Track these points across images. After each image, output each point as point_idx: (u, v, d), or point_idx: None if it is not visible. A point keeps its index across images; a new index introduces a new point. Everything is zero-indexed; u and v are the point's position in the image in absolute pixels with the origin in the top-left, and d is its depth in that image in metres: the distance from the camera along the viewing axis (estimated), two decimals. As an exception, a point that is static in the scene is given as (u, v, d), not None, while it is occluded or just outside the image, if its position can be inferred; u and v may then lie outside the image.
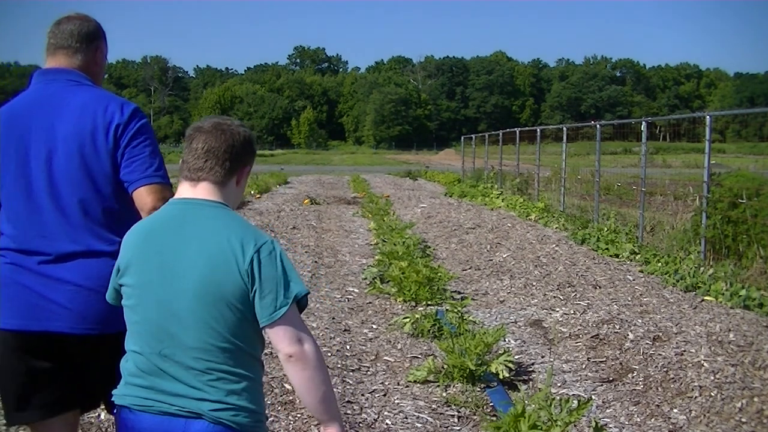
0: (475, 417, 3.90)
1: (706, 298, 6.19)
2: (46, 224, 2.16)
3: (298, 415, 3.80)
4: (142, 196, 2.14)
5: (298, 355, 1.73)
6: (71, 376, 2.20)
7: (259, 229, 1.87)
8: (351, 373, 4.59)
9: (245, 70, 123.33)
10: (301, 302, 1.76)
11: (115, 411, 1.84)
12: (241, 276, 1.71)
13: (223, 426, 1.72)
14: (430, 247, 9.96)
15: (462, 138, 31.20)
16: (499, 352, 4.74)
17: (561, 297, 6.71)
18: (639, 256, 8.41)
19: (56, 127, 2.18)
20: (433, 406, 4.08)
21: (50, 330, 2.14)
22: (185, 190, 1.83)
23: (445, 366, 4.48)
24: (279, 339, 1.73)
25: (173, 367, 1.73)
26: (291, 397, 3.97)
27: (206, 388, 1.72)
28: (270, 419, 3.67)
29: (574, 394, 4.30)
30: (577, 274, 7.59)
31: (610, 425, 3.87)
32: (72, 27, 2.31)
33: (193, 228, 1.76)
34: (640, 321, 5.48)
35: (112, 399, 1.84)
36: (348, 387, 4.33)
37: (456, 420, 3.90)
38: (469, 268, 8.52)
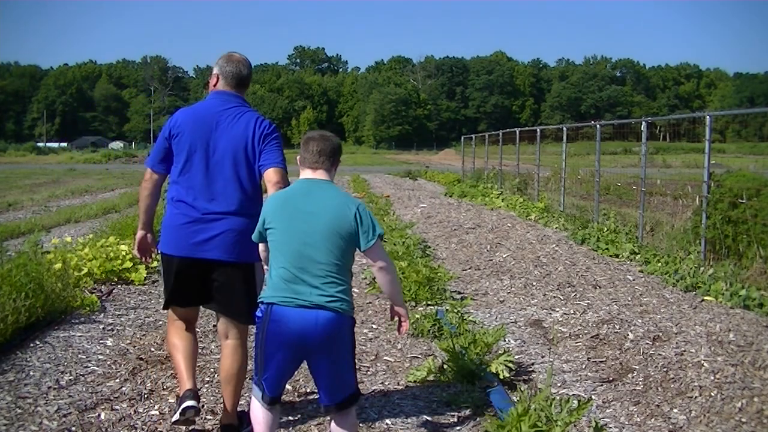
0: (475, 417, 3.90)
1: (706, 298, 6.18)
2: (215, 192, 3.41)
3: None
4: (270, 174, 3.39)
5: (385, 266, 2.96)
6: (208, 286, 3.48)
7: (351, 196, 3.11)
8: (351, 373, 4.59)
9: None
10: (381, 236, 2.92)
11: (264, 308, 2.85)
12: (351, 222, 2.86)
13: (336, 312, 2.80)
14: (430, 247, 9.96)
15: (462, 138, 31.20)
16: (499, 352, 4.74)
17: (561, 297, 6.71)
18: (639, 256, 8.41)
19: (232, 130, 3.44)
20: (433, 406, 4.08)
21: (205, 258, 3.39)
22: (307, 174, 2.99)
23: (445, 366, 4.48)
24: (373, 257, 2.93)
25: (306, 275, 2.81)
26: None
27: (325, 288, 2.80)
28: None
29: (574, 394, 4.29)
30: (577, 274, 7.59)
31: (610, 425, 3.87)
32: (246, 69, 3.63)
33: (318, 194, 2.92)
34: (640, 321, 5.48)
35: (261, 299, 2.89)
36: (348, 387, 4.33)
37: (456, 420, 3.90)
38: (469, 268, 8.52)
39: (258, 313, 2.90)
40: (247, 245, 3.32)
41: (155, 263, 6.25)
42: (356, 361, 3.05)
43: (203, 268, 3.42)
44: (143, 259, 3.80)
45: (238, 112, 3.49)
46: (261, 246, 3.09)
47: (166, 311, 3.78)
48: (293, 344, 2.81)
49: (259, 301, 2.95)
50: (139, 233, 3.70)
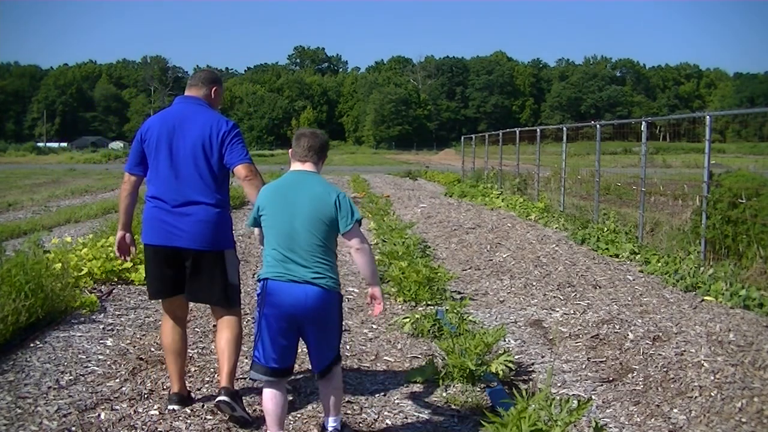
0: (475, 417, 3.89)
1: (706, 298, 6.18)
2: (181, 185, 3.73)
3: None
4: (239, 170, 3.73)
5: (361, 248, 3.29)
6: (183, 275, 3.79)
7: (334, 185, 3.42)
8: (351, 373, 4.59)
9: (245, 70, 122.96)
10: (359, 222, 3.29)
11: (261, 284, 3.25)
12: (331, 207, 3.24)
13: (321, 288, 3.19)
14: (430, 247, 9.96)
15: (462, 138, 31.18)
16: (499, 352, 4.74)
17: (561, 297, 6.71)
18: (639, 256, 8.41)
19: (191, 130, 3.77)
20: (433, 406, 4.08)
21: (177, 246, 3.72)
22: (297, 166, 3.40)
23: (445, 366, 4.48)
24: (351, 239, 3.28)
25: (294, 255, 3.20)
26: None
27: (312, 266, 3.20)
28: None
29: (574, 394, 4.30)
30: (577, 274, 7.59)
31: (610, 425, 3.87)
32: (201, 74, 4.06)
33: (304, 184, 3.32)
34: (640, 321, 5.48)
35: (258, 277, 3.29)
36: (348, 387, 4.32)
37: (456, 420, 3.90)
38: (469, 268, 8.52)
39: (257, 290, 3.29)
40: (216, 234, 3.73)
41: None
42: (342, 331, 3.46)
43: (177, 256, 3.76)
44: (123, 258, 4.13)
45: (199, 113, 3.83)
46: (256, 230, 3.48)
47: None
48: (287, 315, 3.19)
49: (256, 279, 3.35)
50: (119, 234, 4.06)
